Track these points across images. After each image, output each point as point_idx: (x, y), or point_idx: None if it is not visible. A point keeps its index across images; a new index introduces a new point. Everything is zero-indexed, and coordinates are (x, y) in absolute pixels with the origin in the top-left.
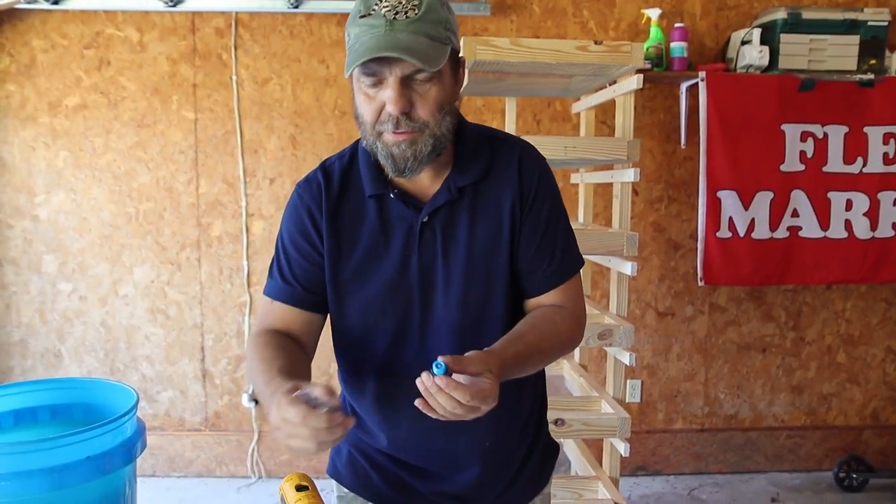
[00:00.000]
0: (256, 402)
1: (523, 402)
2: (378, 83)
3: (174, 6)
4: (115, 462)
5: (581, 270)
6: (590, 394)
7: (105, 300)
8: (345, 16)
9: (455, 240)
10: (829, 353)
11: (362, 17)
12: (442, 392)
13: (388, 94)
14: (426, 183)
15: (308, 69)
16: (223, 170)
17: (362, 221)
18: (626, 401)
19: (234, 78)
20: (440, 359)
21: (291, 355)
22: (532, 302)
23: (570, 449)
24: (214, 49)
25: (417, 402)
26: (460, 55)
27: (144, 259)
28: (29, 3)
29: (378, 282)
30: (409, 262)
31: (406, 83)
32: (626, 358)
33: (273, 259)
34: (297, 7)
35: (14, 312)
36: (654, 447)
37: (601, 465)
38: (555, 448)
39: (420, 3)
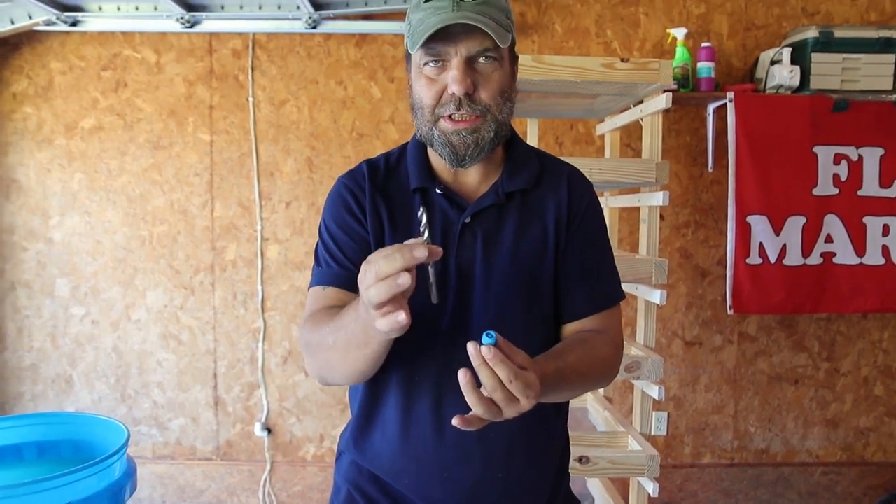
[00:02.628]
0: (269, 430)
1: (552, 448)
2: (441, 64)
3: (191, 28)
4: None
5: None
6: (615, 428)
7: (117, 325)
8: (364, 36)
9: (498, 244)
10: (865, 385)
11: (426, 1)
12: (485, 365)
13: (451, 74)
14: (474, 183)
15: (325, 91)
16: (238, 193)
17: (403, 212)
18: (652, 434)
19: (251, 99)
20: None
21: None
22: (570, 327)
23: (595, 486)
24: (231, 70)
25: (461, 372)
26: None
27: (157, 283)
28: (47, 25)
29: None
30: (447, 262)
31: (469, 64)
32: (654, 392)
33: (317, 249)
34: (314, 28)
35: (26, 336)
36: (681, 482)
37: (627, 503)
38: (574, 502)
39: None
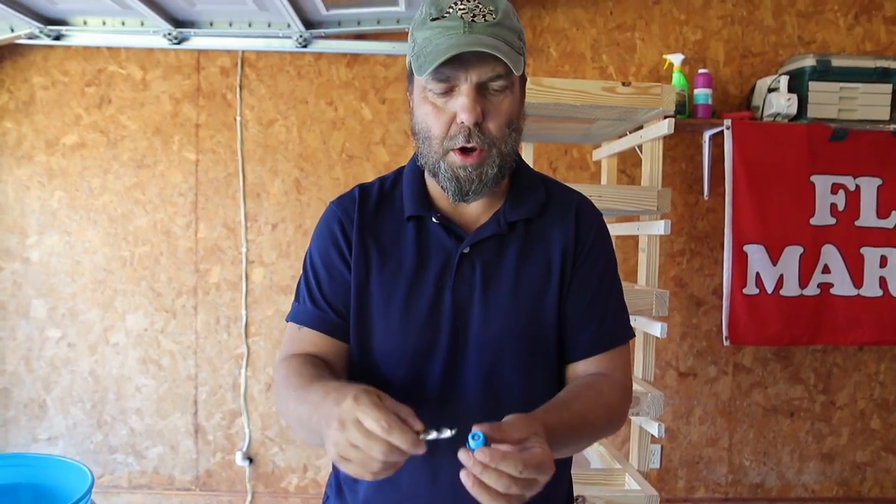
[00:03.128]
0: (251, 460)
1: (556, 494)
2: (449, 91)
3: (179, 44)
4: None
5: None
6: (612, 465)
7: (95, 348)
8: (355, 56)
9: (498, 277)
10: (862, 418)
11: (434, 19)
12: (488, 468)
13: (461, 102)
14: (474, 213)
15: (315, 111)
16: (224, 214)
17: (396, 243)
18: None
19: (239, 119)
20: (475, 428)
21: (332, 373)
22: (574, 368)
23: None
24: (219, 89)
25: (463, 475)
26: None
27: (138, 306)
28: (30, 38)
29: (403, 312)
30: (442, 296)
31: (479, 91)
32: (654, 429)
33: (300, 282)
34: (305, 47)
35: None
36: None
37: None
38: None
39: (496, 8)
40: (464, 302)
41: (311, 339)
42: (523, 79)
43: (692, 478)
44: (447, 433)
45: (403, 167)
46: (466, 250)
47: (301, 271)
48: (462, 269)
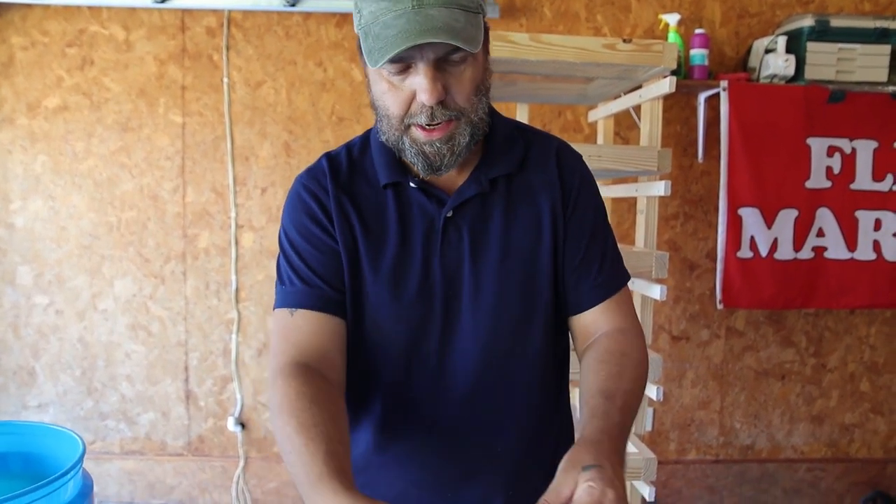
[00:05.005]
0: (243, 425)
1: (545, 440)
2: (405, 69)
3: (163, 3)
4: None
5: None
6: None
7: (83, 315)
8: (345, 16)
9: (486, 240)
10: (851, 381)
11: None
12: None
13: (420, 83)
14: (451, 173)
15: (304, 72)
16: (212, 178)
17: (376, 212)
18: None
19: (226, 80)
20: None
21: (337, 424)
22: (580, 320)
23: None
24: (205, 50)
25: None
26: (486, 21)
27: (126, 271)
28: None
29: (392, 286)
30: (431, 265)
31: (439, 66)
32: (653, 392)
33: (280, 264)
34: (293, 6)
35: None
36: (666, 479)
37: None
38: None
39: None
40: (453, 269)
41: (307, 326)
42: (487, 37)
43: (684, 440)
44: None
45: (369, 131)
46: (450, 214)
47: (278, 257)
48: (448, 235)
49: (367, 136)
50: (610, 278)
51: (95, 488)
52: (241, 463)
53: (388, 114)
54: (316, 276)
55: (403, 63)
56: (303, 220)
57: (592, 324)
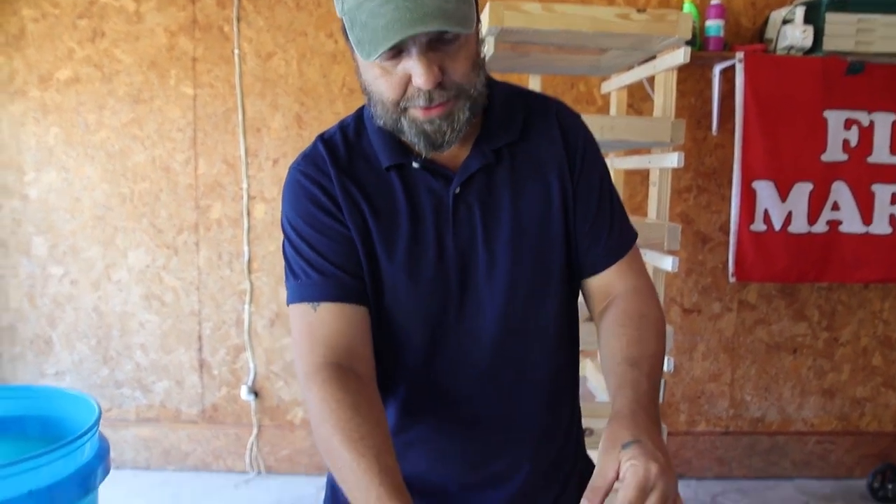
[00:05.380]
0: (256, 394)
1: (562, 410)
2: (397, 54)
3: None
4: (68, 495)
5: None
6: None
7: (98, 285)
8: None
9: (496, 213)
10: (864, 355)
11: None
12: None
13: (415, 68)
14: (454, 148)
15: (315, 44)
16: (223, 149)
17: (384, 196)
18: None
19: (237, 52)
20: None
21: (382, 433)
22: (593, 282)
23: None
24: (216, 21)
25: None
26: None
27: (139, 242)
28: None
29: (408, 270)
30: (444, 243)
31: (432, 46)
32: (665, 363)
33: (289, 258)
34: None
35: (2, 296)
36: (676, 450)
37: None
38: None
39: None
40: (466, 245)
41: (332, 320)
42: (476, 3)
43: (693, 412)
44: None
45: (360, 111)
46: (458, 190)
47: (284, 250)
48: (459, 212)
49: (359, 116)
50: (621, 238)
51: (112, 454)
52: (255, 431)
53: (383, 99)
54: (332, 266)
55: (395, 49)
56: (308, 209)
57: (607, 285)
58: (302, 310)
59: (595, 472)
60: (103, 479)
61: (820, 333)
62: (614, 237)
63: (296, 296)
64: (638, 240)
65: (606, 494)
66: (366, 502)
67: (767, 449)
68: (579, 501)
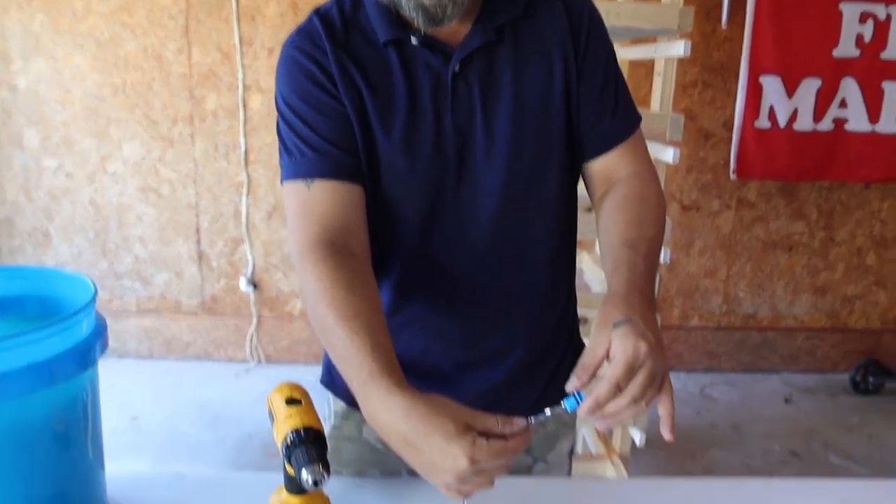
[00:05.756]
0: (255, 286)
1: (560, 289)
2: None
3: None
4: (67, 369)
5: None
6: None
7: (93, 177)
8: None
9: (497, 92)
10: (858, 254)
11: None
12: (606, 415)
13: None
14: (454, 25)
15: None
16: (217, 38)
17: (381, 72)
18: None
19: None
20: (568, 388)
21: (376, 312)
22: (595, 165)
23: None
24: None
25: (585, 412)
26: None
27: (134, 134)
28: None
29: (406, 143)
30: (442, 121)
31: None
32: (661, 255)
33: (283, 135)
34: None
35: None
36: (668, 343)
37: None
38: None
39: None
40: (465, 124)
41: (326, 197)
42: None
43: (687, 307)
44: (548, 412)
45: None
46: (457, 68)
47: (278, 127)
48: (458, 90)
49: None
50: (625, 120)
51: (114, 344)
52: (254, 321)
53: None
54: (327, 143)
55: None
56: (303, 85)
57: (609, 168)
58: (296, 188)
59: (585, 349)
60: (101, 354)
61: (817, 232)
62: (618, 119)
63: (289, 173)
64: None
65: (595, 372)
66: (358, 378)
67: (757, 344)
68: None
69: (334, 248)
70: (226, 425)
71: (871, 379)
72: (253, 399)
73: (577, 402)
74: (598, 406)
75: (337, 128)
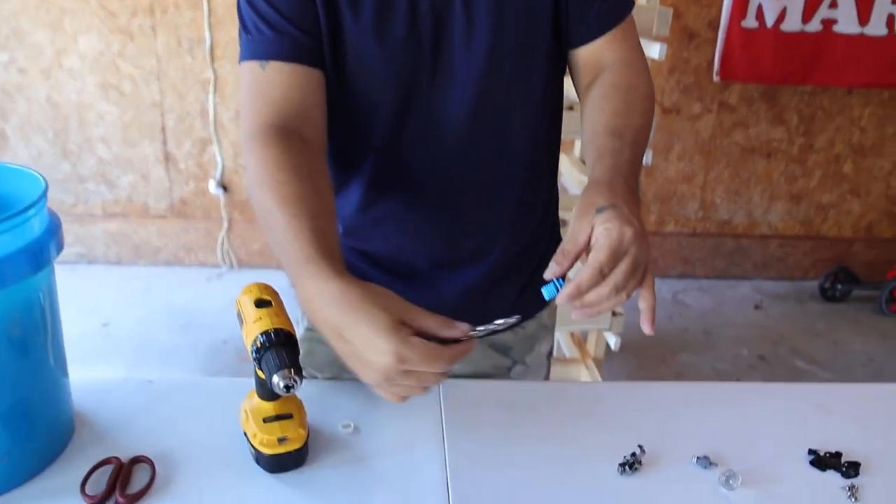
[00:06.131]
0: (225, 188)
1: (540, 189)
2: None
3: None
4: (19, 270)
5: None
6: None
7: (48, 73)
8: None
9: None
10: (836, 162)
11: None
12: (586, 303)
13: None
14: None
15: None
16: None
17: None
18: None
19: None
20: (547, 275)
21: (321, 197)
22: (582, 53)
23: None
24: None
25: (563, 300)
26: None
27: (90, 26)
28: None
29: (376, 26)
30: (417, 2)
31: None
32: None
33: (242, 14)
34: None
35: None
36: None
37: None
38: None
39: None
40: (442, 5)
41: (282, 79)
42: None
43: (664, 213)
44: (499, 323)
45: None
46: None
47: (238, 3)
48: None
49: None
50: (616, 5)
51: (82, 249)
52: (225, 225)
53: None
54: (286, 22)
55: None
56: None
57: (597, 56)
58: (251, 68)
59: (566, 236)
60: (57, 254)
61: (796, 139)
62: (609, 3)
63: (246, 52)
64: None
65: (576, 258)
66: (293, 261)
67: (731, 251)
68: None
69: (285, 132)
70: (198, 330)
71: (839, 286)
72: (225, 304)
73: (557, 290)
74: (580, 293)
75: (299, 6)
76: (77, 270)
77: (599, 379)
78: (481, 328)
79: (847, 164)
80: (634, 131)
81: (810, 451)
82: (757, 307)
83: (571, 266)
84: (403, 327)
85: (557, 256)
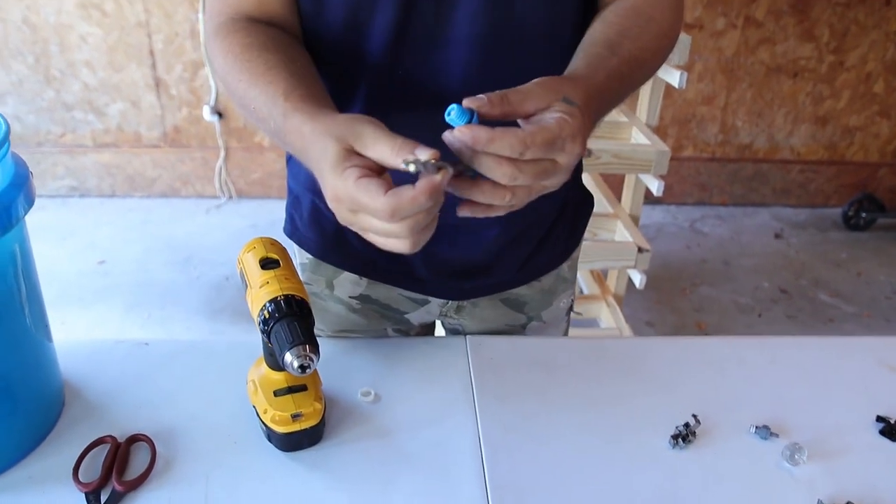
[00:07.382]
0: (220, 114)
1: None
2: None
3: None
4: None
5: None
6: (616, 119)
7: None
8: None
9: None
10: (866, 81)
11: None
12: (477, 153)
13: None
14: None
15: None
16: None
17: None
18: None
19: None
20: (461, 104)
21: (297, 62)
22: None
23: (585, 182)
24: None
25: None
26: None
27: None
28: None
29: None
30: None
31: None
32: (674, 78)
33: None
34: None
35: None
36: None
37: (619, 201)
38: (590, 200)
39: None
40: None
41: None
42: None
43: (682, 136)
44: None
45: None
46: None
47: None
48: None
49: None
50: None
51: (74, 182)
52: (222, 154)
53: None
54: None
55: None
56: None
57: None
58: None
59: (517, 88)
60: (26, 212)
61: (826, 56)
62: None
63: None
64: None
65: (507, 114)
66: (275, 125)
67: (750, 176)
68: (572, 232)
69: (251, 21)
70: (199, 266)
71: (863, 214)
72: (227, 237)
73: (465, 121)
74: (483, 141)
75: None
76: (69, 204)
77: (621, 316)
78: (453, 165)
79: (878, 84)
80: (635, 54)
81: (879, 419)
82: (777, 236)
83: (497, 115)
84: (351, 157)
85: (492, 95)
